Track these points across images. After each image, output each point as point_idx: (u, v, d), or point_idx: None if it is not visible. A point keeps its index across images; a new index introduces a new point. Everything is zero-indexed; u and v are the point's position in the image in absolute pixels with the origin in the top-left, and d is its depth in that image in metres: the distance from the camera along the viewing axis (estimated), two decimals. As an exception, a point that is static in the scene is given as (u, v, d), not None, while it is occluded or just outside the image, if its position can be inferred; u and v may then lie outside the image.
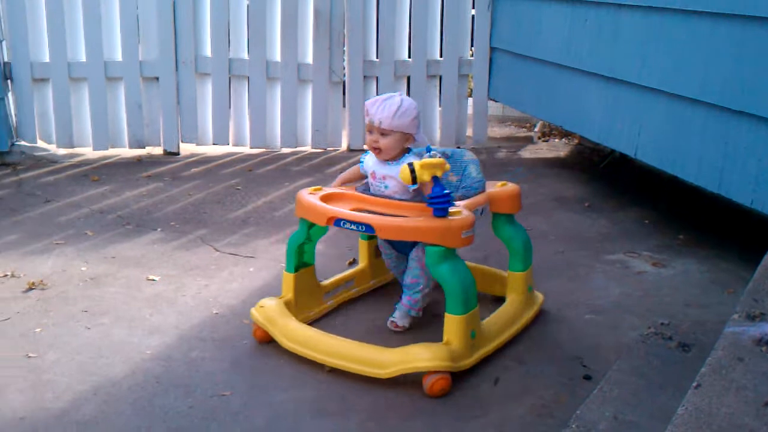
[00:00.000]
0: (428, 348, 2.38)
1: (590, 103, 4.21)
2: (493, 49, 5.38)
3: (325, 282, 2.93)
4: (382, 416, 2.26)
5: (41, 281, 3.13)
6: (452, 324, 2.42)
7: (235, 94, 5.23)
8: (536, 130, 5.98)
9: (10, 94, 4.87)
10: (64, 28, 4.84)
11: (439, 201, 2.40)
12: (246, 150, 5.30)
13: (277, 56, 5.17)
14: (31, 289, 3.08)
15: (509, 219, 2.82)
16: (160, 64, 5.01)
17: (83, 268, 3.29)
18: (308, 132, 5.34)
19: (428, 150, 2.59)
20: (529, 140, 5.81)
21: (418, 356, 2.36)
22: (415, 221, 2.42)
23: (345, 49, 5.22)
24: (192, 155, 5.17)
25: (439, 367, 2.34)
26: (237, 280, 3.22)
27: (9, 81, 4.84)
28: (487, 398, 2.35)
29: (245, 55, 5.16)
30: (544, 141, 5.79)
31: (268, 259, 3.44)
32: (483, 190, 2.74)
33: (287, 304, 2.69)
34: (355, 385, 2.41)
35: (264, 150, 5.30)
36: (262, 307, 2.69)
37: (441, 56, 5.34)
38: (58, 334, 2.73)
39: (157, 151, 5.19)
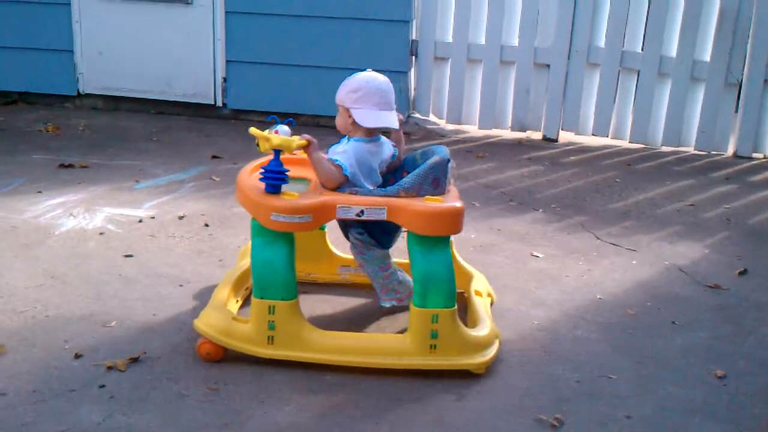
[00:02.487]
0: (218, 319, 2.44)
1: None
2: None
3: (343, 255, 2.89)
4: None
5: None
6: (253, 305, 2.40)
7: (622, 87, 5.18)
8: None
9: (413, 70, 5.31)
10: (469, 12, 5.15)
11: (270, 176, 2.32)
12: (624, 144, 5.23)
13: (673, 52, 5.01)
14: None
15: (419, 240, 2.37)
16: (553, 52, 5.12)
17: (472, 236, 3.50)
18: (693, 132, 5.13)
19: (277, 123, 2.39)
20: None
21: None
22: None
23: (747, 49, 4.91)
24: (570, 143, 5.23)
25: (206, 334, 2.42)
26: (619, 270, 3.22)
27: (414, 57, 5.28)
28: None
29: (638, 49, 5.08)
30: None
31: (651, 254, 3.39)
32: (393, 195, 2.37)
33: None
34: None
35: (643, 146, 5.19)
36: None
37: None
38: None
39: (536, 135, 5.33)
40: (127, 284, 2.92)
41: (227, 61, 5.17)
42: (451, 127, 5.40)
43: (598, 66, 5.13)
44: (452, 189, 2.48)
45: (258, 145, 2.33)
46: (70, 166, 4.17)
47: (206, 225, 3.49)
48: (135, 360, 2.42)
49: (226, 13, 5.09)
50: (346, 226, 2.62)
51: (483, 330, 2.47)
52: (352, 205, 2.34)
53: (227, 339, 2.42)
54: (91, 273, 2.99)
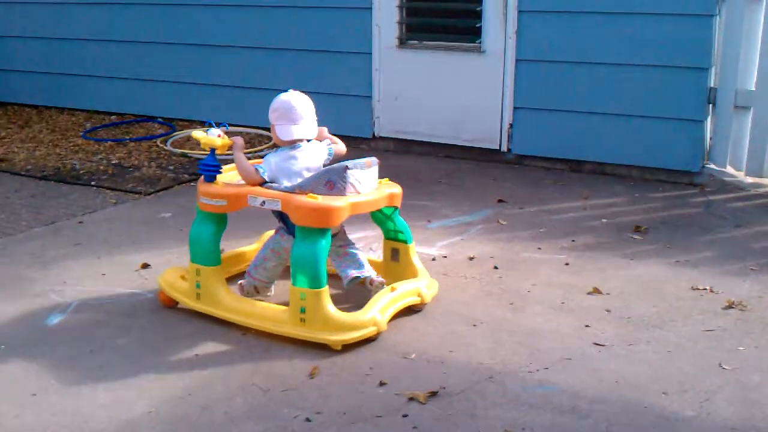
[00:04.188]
0: (171, 275, 3.16)
1: None
2: None
3: None
4: None
5: (740, 302, 3.18)
6: (188, 267, 3.07)
7: None
8: None
9: (709, 118, 5.04)
10: (776, 58, 4.80)
11: (206, 168, 3.01)
12: None
13: None
14: (730, 307, 3.15)
15: (298, 229, 2.84)
16: None
17: (781, 298, 3.23)
18: None
19: (210, 126, 3.04)
20: None
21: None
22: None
23: None
24: None
25: (160, 286, 3.16)
26: None
27: (711, 105, 5.01)
28: None
29: None
30: None
31: None
32: (290, 192, 2.88)
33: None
34: None
35: None
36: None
37: None
38: (763, 357, 2.74)
39: None
40: (423, 319, 3.04)
41: (514, 108, 5.26)
42: (750, 179, 5.04)
43: None
44: (359, 192, 2.93)
45: (200, 144, 3.03)
46: (368, 203, 4.46)
47: (495, 267, 3.55)
48: (434, 394, 2.50)
49: (517, 61, 5.19)
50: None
51: (359, 315, 2.85)
52: (257, 196, 2.91)
53: (172, 291, 3.13)
54: (390, 306, 3.15)
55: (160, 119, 6.52)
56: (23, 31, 7.08)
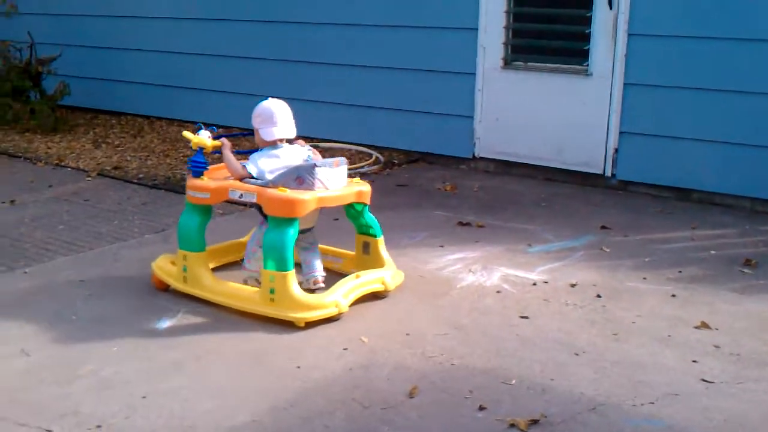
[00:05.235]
0: (162, 261, 3.53)
1: None
2: None
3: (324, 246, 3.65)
4: None
5: None
6: (177, 253, 3.42)
7: None
8: None
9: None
10: None
11: (194, 166, 3.39)
12: None
13: None
14: None
15: (269, 219, 3.23)
16: None
17: None
18: None
19: (200, 128, 3.43)
20: None
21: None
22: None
23: None
24: None
25: (153, 270, 3.54)
26: None
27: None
28: None
29: None
30: None
31: None
32: (265, 186, 3.25)
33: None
34: None
35: None
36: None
37: None
38: None
39: None
40: (524, 345, 3.01)
41: (620, 132, 5.16)
42: None
43: None
44: (325, 187, 3.24)
45: (190, 145, 3.40)
46: (468, 224, 4.45)
47: (598, 296, 3.48)
48: (535, 422, 2.47)
49: (625, 84, 5.10)
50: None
51: (322, 297, 3.20)
52: (237, 189, 3.26)
53: (163, 274, 3.48)
54: (490, 329, 3.14)
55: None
56: (139, 45, 7.40)
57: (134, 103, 7.56)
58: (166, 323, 3.21)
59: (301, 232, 3.35)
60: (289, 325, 3.15)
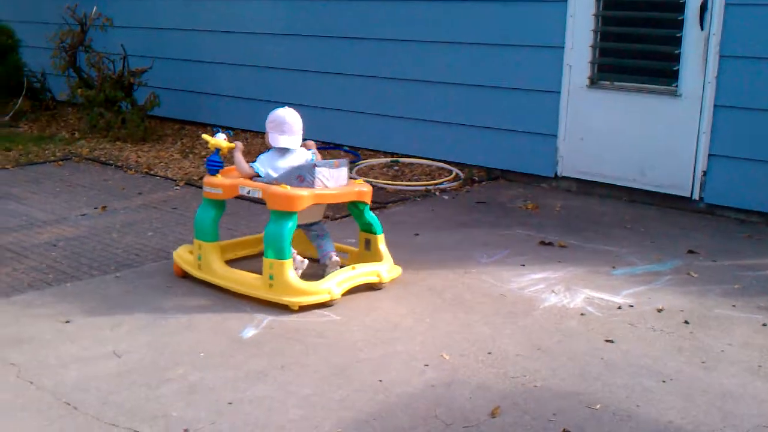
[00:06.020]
0: (182, 250, 3.91)
1: None
2: None
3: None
4: None
5: None
6: (194, 242, 3.81)
7: None
8: None
9: None
10: None
11: (211, 165, 3.81)
12: None
13: None
14: None
15: (271, 213, 3.55)
16: None
17: None
18: None
19: (217, 131, 3.89)
20: None
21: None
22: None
23: None
24: None
25: (174, 258, 3.90)
26: None
27: None
28: None
29: None
30: None
31: None
32: (270, 183, 3.63)
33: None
34: None
35: None
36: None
37: None
38: None
39: None
40: (609, 369, 2.96)
41: (709, 155, 5.03)
42: None
43: None
44: (324, 186, 3.59)
45: (208, 145, 3.86)
46: (550, 244, 4.40)
47: (686, 322, 3.40)
48: (621, 449, 2.43)
49: (715, 106, 4.97)
50: None
51: (316, 284, 3.51)
52: (245, 186, 3.65)
53: (182, 262, 3.85)
54: (574, 351, 3.09)
55: (345, 147, 6.76)
56: (226, 59, 7.59)
57: (219, 115, 7.74)
58: (250, 332, 3.27)
59: (310, 224, 3.85)
60: (363, 336, 3.18)
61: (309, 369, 2.96)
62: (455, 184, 5.79)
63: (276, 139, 3.74)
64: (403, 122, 6.43)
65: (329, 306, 3.50)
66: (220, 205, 3.81)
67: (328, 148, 6.80)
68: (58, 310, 3.46)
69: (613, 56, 5.44)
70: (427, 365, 2.98)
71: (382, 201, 5.29)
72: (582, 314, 3.45)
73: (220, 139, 3.82)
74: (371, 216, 3.84)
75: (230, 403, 2.70)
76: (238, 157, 3.79)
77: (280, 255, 3.46)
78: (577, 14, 5.43)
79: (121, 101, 7.45)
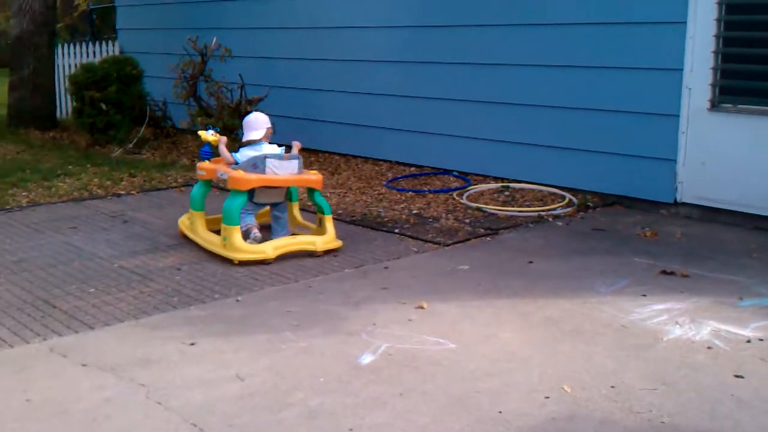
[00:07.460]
0: (185, 218, 5.24)
1: None
2: None
3: (301, 221, 5.12)
4: None
5: None
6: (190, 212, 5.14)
7: None
8: None
9: None
10: None
11: (202, 153, 5.20)
12: None
13: None
14: None
15: (230, 190, 4.76)
16: None
17: None
18: None
19: (207, 129, 5.23)
20: None
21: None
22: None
23: None
24: None
25: (179, 224, 5.31)
26: None
27: None
28: None
29: None
30: None
31: None
32: (233, 169, 4.75)
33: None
34: None
35: None
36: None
37: None
38: None
39: None
40: (740, 407, 2.82)
41: (843, 181, 4.78)
42: None
43: None
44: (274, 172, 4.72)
45: (200, 138, 5.06)
46: (672, 273, 4.26)
47: (823, 358, 3.21)
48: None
49: None
50: None
51: (256, 246, 4.64)
52: (221, 170, 4.80)
53: (182, 226, 5.12)
54: (702, 387, 2.97)
55: (455, 173, 6.76)
56: (333, 86, 7.75)
57: (329, 141, 7.90)
58: (368, 358, 3.29)
59: (273, 204, 4.94)
60: (481, 365, 3.15)
61: (427, 398, 2.95)
62: (569, 210, 5.69)
63: (247, 135, 4.90)
64: (514, 147, 6.38)
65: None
66: (207, 184, 5.01)
67: (437, 173, 6.82)
68: (183, 333, 3.58)
69: (736, 78, 5.25)
70: (547, 397, 2.92)
71: (493, 227, 5.25)
72: (709, 347, 3.31)
73: (209, 135, 5.00)
74: (321, 200, 4.84)
75: (351, 430, 2.72)
76: (222, 148, 4.91)
77: (231, 222, 4.57)
78: (696, 36, 5.27)
79: (238, 130, 7.69)
